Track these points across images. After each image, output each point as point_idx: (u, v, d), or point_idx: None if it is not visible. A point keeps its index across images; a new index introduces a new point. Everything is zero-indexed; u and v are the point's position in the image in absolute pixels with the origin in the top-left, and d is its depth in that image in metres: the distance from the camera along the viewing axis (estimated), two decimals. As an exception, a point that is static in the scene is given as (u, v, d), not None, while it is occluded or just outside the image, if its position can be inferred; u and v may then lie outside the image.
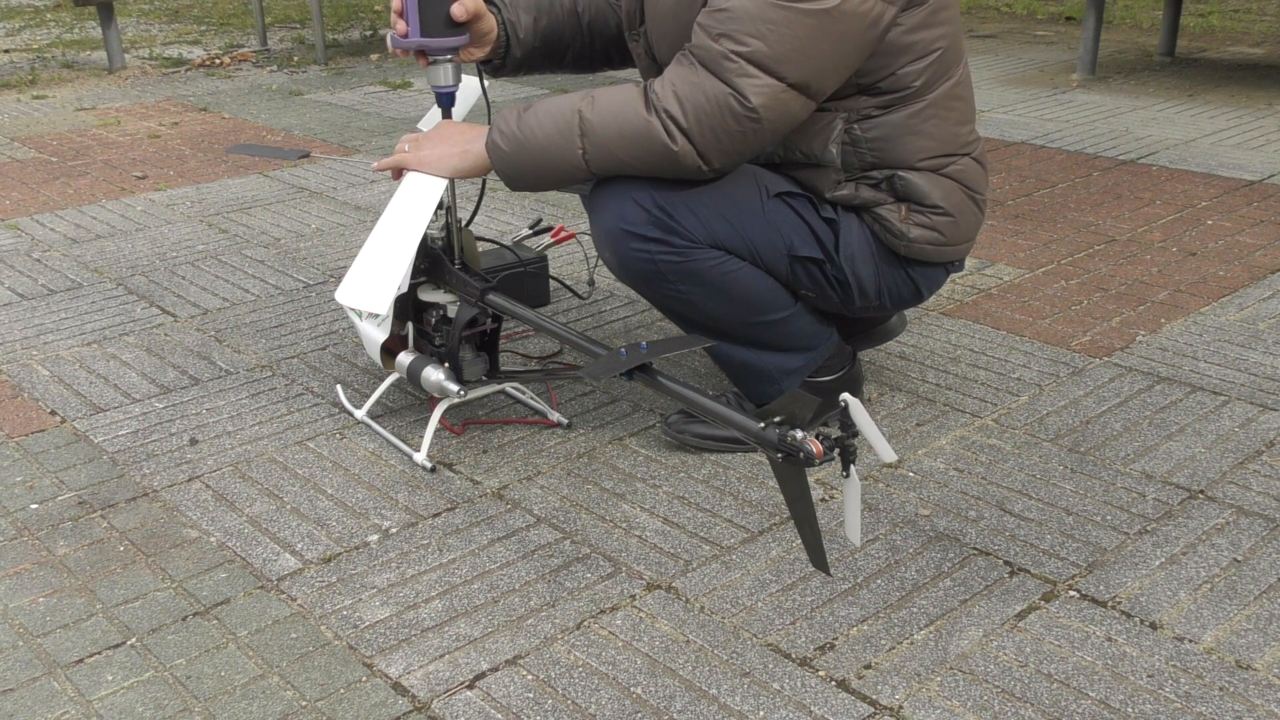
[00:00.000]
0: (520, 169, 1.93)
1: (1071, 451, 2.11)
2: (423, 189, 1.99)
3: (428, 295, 2.16)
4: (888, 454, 1.55)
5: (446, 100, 2.05)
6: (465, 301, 2.09)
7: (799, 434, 1.54)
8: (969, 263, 3.01)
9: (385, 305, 1.87)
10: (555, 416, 2.26)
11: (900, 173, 1.95)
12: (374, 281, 1.91)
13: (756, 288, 1.99)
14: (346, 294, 1.91)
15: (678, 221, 1.91)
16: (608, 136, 1.85)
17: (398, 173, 2.03)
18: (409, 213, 1.96)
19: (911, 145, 1.94)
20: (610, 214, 1.94)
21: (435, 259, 2.13)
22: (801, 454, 1.53)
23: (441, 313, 2.16)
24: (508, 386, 2.33)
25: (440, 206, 2.12)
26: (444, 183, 1.99)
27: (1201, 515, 1.91)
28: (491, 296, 2.06)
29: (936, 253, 2.02)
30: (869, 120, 1.93)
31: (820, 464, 1.52)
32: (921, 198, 1.97)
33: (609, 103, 1.85)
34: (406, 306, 2.17)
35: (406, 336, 2.21)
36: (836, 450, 1.53)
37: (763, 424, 1.58)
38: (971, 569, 1.79)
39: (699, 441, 2.13)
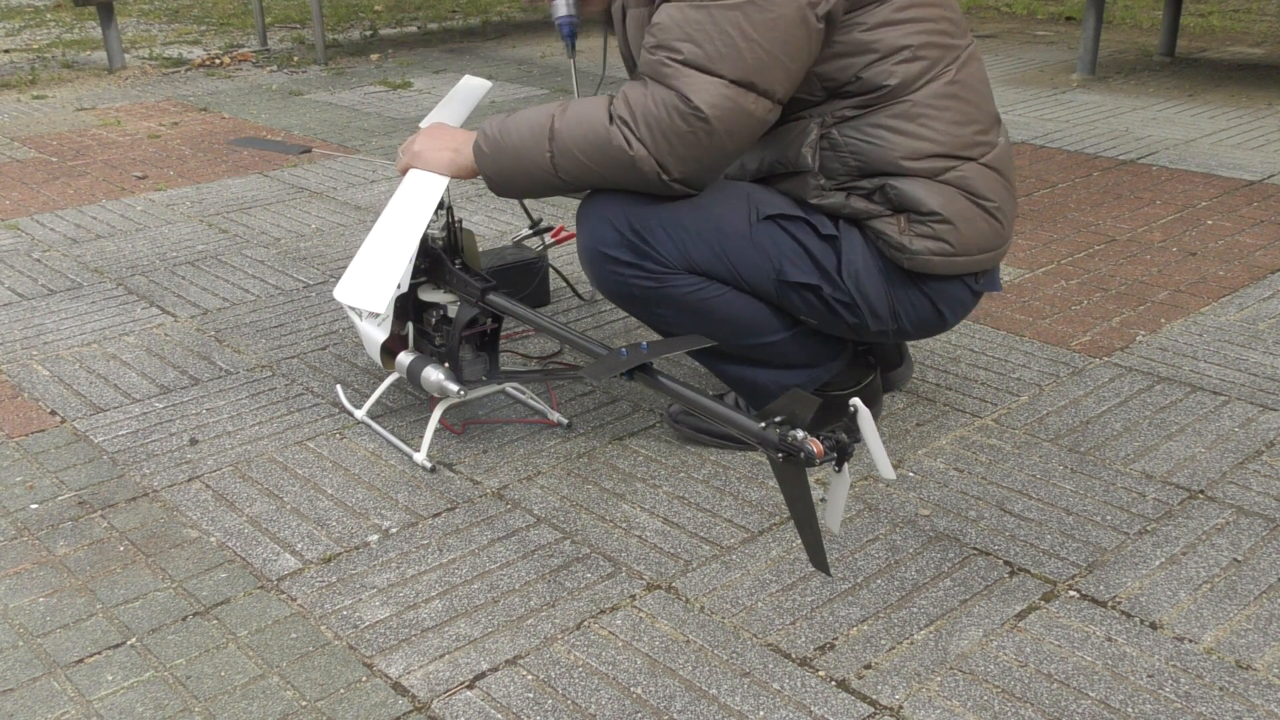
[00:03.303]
0: (499, 172, 1.93)
1: (1071, 451, 2.11)
2: (422, 187, 1.99)
3: (428, 295, 2.16)
4: (887, 471, 1.54)
5: (566, 30, 2.05)
6: (465, 301, 2.09)
7: (799, 434, 1.54)
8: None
9: (383, 304, 1.87)
10: (555, 416, 2.26)
11: (891, 181, 1.87)
12: (373, 280, 1.90)
13: (739, 314, 1.94)
14: (345, 292, 1.91)
15: (652, 246, 1.89)
16: (573, 142, 1.85)
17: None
18: (408, 211, 1.96)
19: (898, 146, 1.85)
20: (586, 234, 1.94)
21: (435, 259, 2.13)
22: (802, 454, 1.53)
23: (441, 313, 2.16)
24: (508, 386, 2.33)
25: (440, 206, 2.12)
26: (445, 180, 1.99)
27: (1201, 515, 1.91)
28: (491, 297, 2.06)
29: (945, 264, 1.91)
30: (847, 123, 1.87)
31: (820, 464, 1.52)
32: (917, 205, 1.87)
33: (577, 110, 1.85)
34: (406, 306, 2.17)
35: (406, 336, 2.21)
36: (835, 450, 1.53)
37: (763, 424, 1.58)
38: (971, 569, 1.79)
39: (703, 435, 2.13)
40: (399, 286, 2.14)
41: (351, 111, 4.96)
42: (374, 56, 6.19)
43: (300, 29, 7.13)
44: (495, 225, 3.42)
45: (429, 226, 2.13)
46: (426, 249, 2.13)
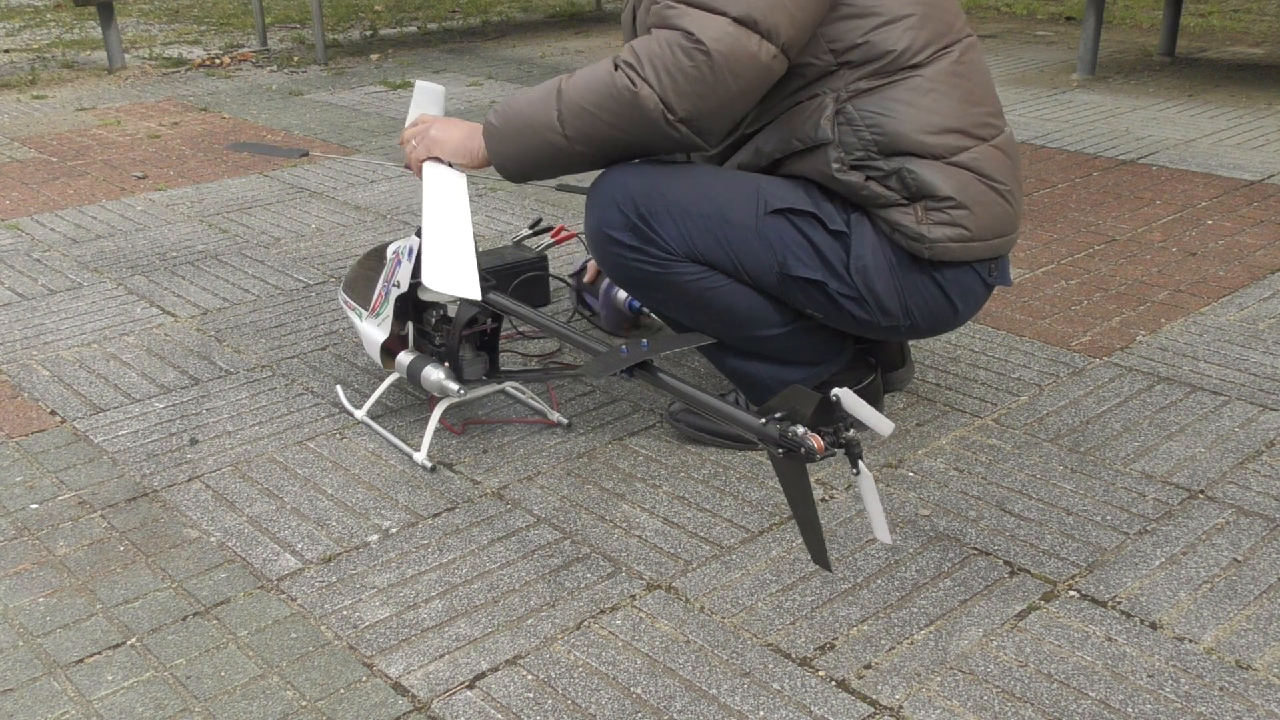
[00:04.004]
0: (508, 143, 1.95)
1: (1071, 451, 2.11)
2: (445, 180, 2.00)
3: (428, 295, 2.16)
4: (885, 427, 1.53)
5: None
6: (465, 301, 2.09)
7: (800, 429, 1.54)
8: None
9: (478, 291, 1.85)
10: (555, 416, 2.26)
11: (908, 164, 1.86)
12: (458, 269, 1.88)
13: (740, 305, 1.95)
14: (436, 280, 1.85)
15: (657, 232, 1.90)
16: (579, 95, 1.87)
17: (419, 167, 2.07)
18: (447, 200, 1.97)
19: (912, 119, 1.86)
20: (593, 214, 1.96)
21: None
22: (803, 449, 1.53)
23: (441, 313, 2.16)
24: (508, 386, 2.33)
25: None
26: (463, 175, 2.01)
27: (1201, 515, 1.91)
28: (492, 296, 2.06)
29: (963, 250, 1.91)
30: (862, 96, 1.87)
31: (821, 459, 1.52)
32: (934, 191, 1.87)
33: (584, 70, 1.89)
34: (406, 306, 2.17)
35: (406, 336, 2.21)
36: (841, 448, 1.53)
37: (764, 420, 1.58)
38: (971, 569, 1.79)
39: (703, 433, 2.13)
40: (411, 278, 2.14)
41: (351, 111, 4.96)
42: (374, 56, 6.19)
43: (300, 29, 7.13)
44: (495, 225, 3.42)
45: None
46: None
